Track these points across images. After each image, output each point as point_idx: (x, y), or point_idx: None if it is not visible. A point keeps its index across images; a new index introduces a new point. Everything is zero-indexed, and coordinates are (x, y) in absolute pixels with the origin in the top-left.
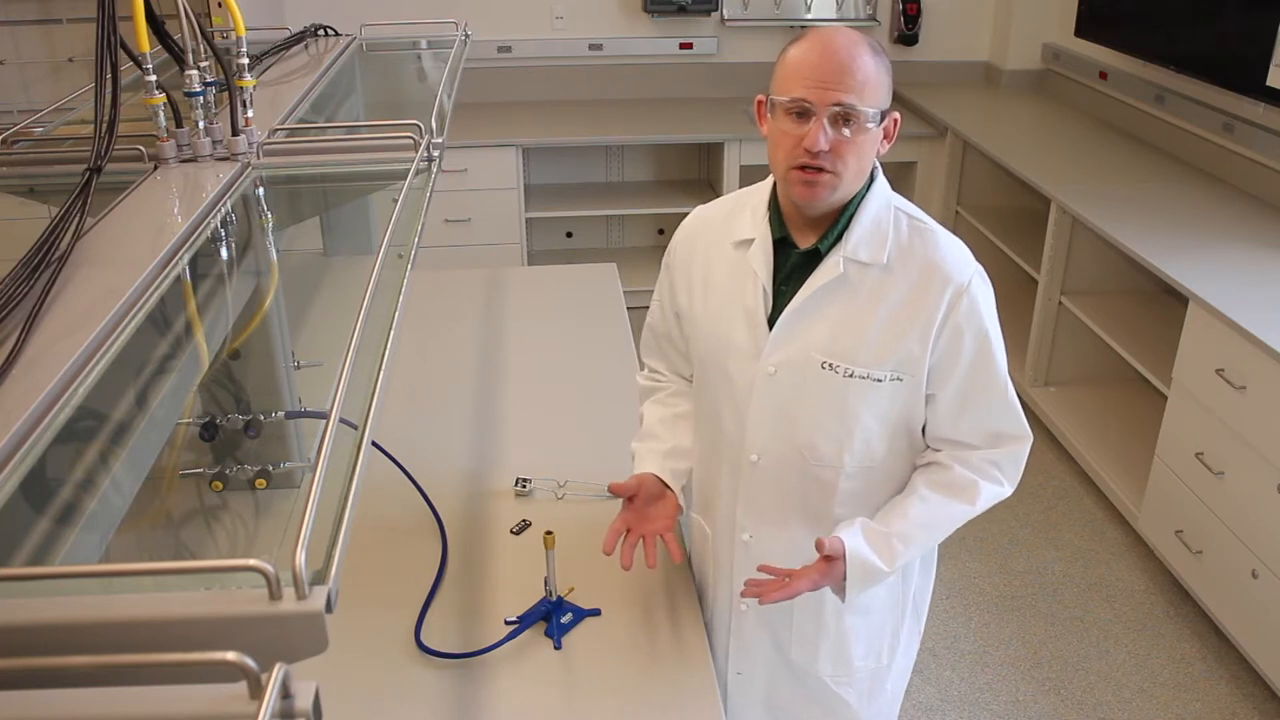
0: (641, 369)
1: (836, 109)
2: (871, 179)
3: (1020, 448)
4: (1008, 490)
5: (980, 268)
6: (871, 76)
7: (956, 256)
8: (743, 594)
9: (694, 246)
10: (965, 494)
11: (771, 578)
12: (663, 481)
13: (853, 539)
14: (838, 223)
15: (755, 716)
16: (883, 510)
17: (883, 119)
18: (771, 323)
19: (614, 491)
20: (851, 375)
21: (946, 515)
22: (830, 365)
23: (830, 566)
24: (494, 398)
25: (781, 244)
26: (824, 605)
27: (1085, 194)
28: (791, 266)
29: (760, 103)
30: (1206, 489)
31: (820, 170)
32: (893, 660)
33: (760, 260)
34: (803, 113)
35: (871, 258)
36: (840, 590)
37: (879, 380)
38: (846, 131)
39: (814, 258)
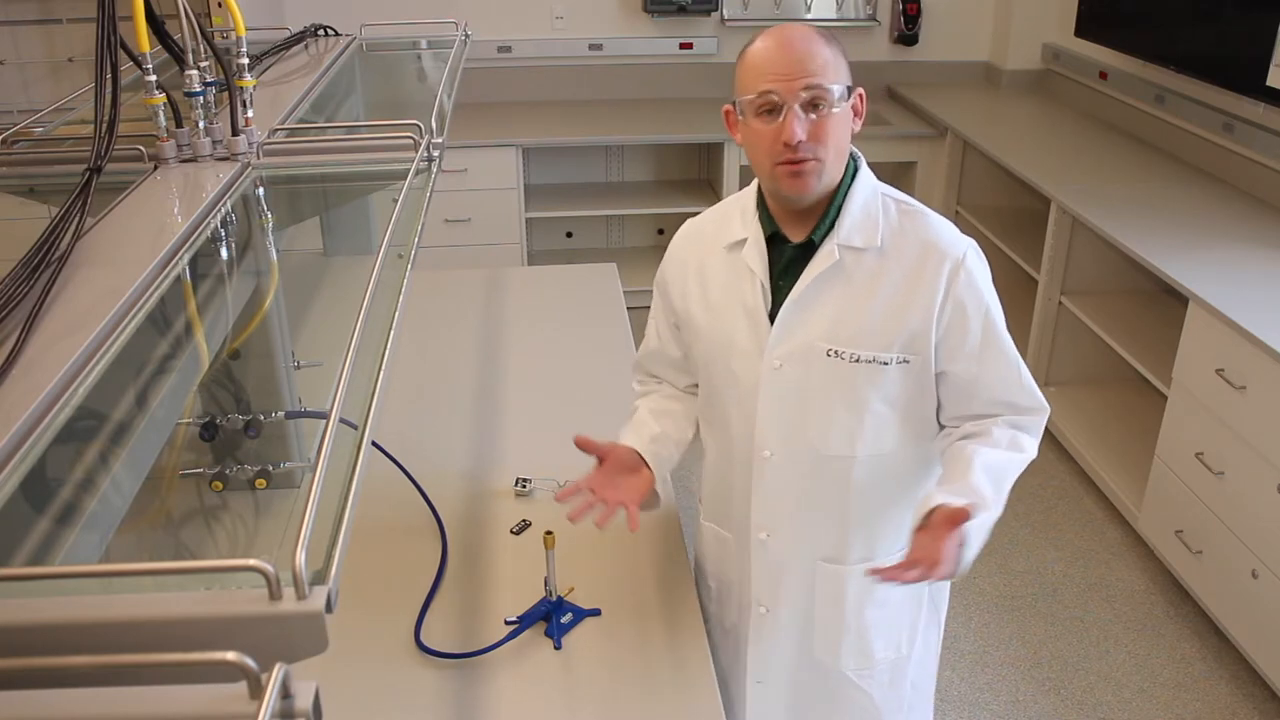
0: (634, 383)
1: (805, 94)
2: (856, 168)
3: (1037, 419)
4: (1033, 453)
5: (974, 241)
6: (830, 58)
7: (949, 233)
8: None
9: (687, 256)
10: (1014, 444)
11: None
12: (642, 459)
13: (945, 496)
14: (828, 213)
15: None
16: (943, 476)
17: (850, 95)
18: (773, 318)
19: (579, 444)
20: (858, 360)
21: (1005, 462)
22: (835, 352)
23: (960, 536)
24: (494, 398)
25: (774, 240)
26: (844, 598)
27: (1085, 194)
28: (787, 261)
29: (728, 112)
30: (1206, 489)
31: (803, 160)
32: (912, 651)
33: (755, 257)
34: (773, 108)
35: (865, 242)
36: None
37: (885, 363)
38: (816, 116)
39: (808, 250)
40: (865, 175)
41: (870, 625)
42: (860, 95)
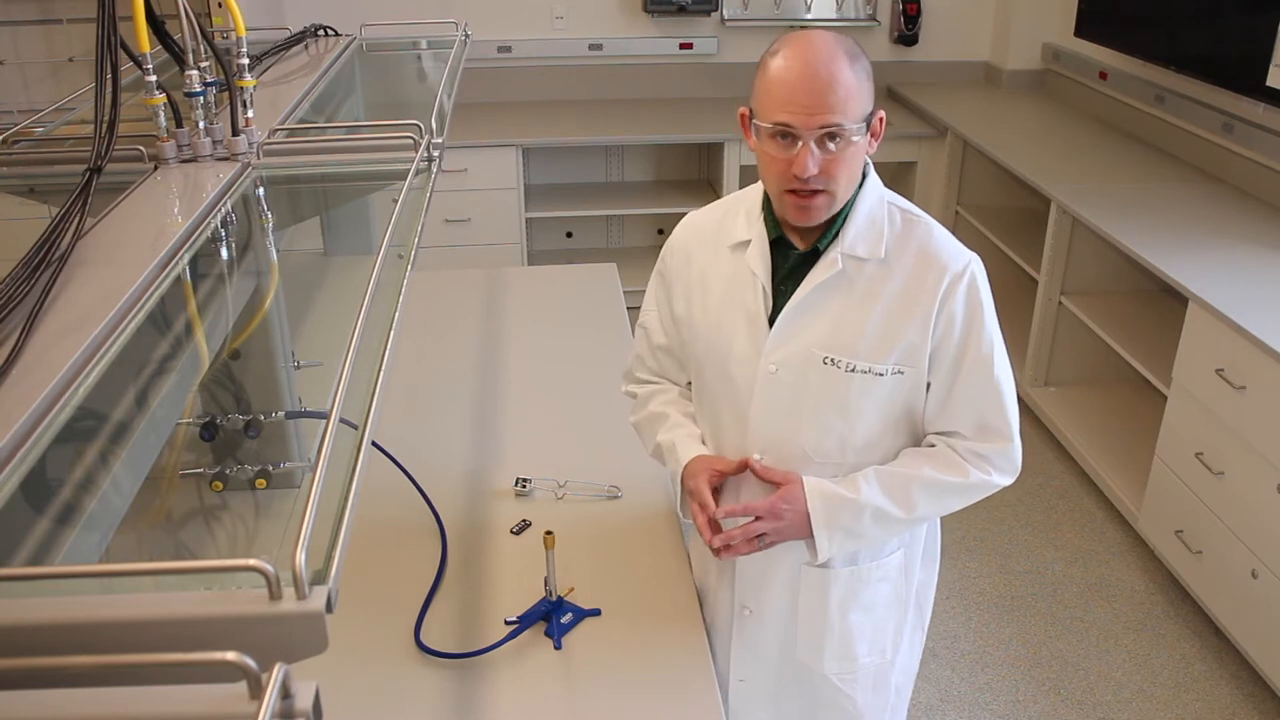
0: (626, 383)
1: (823, 131)
2: (864, 175)
3: (1001, 448)
4: (999, 480)
5: (976, 256)
6: (853, 89)
7: (952, 246)
8: (720, 555)
9: (689, 253)
10: (951, 467)
11: (738, 524)
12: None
13: (810, 477)
14: (834, 220)
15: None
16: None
17: (869, 123)
18: (772, 322)
19: (733, 472)
20: (853, 370)
21: (926, 477)
22: (832, 361)
23: (788, 492)
24: (494, 398)
25: (778, 244)
26: (828, 602)
27: (1085, 194)
28: (790, 266)
29: (744, 115)
30: (1206, 489)
31: (813, 193)
32: (896, 655)
33: (759, 261)
34: (788, 136)
35: (868, 252)
36: (814, 541)
37: (880, 374)
38: (833, 147)
39: (812, 256)
40: (873, 184)
41: (854, 628)
42: (880, 118)
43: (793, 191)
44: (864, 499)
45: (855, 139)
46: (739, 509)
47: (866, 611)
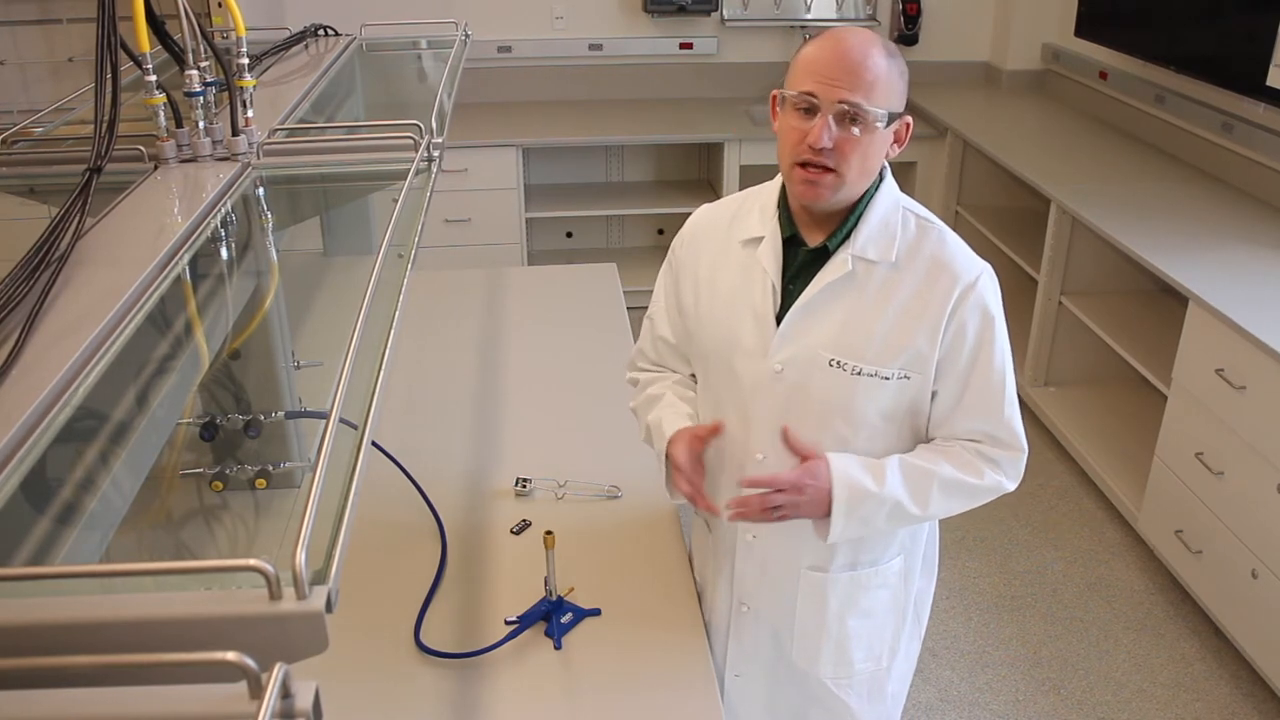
0: (629, 371)
1: (843, 106)
2: (881, 178)
3: (1011, 456)
4: (1007, 484)
5: (989, 266)
6: (882, 77)
7: (964, 255)
8: (731, 517)
9: (699, 245)
10: (968, 467)
11: (756, 492)
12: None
13: (836, 456)
14: (846, 221)
15: (755, 718)
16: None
17: (893, 122)
18: (780, 321)
19: (707, 435)
20: (859, 373)
21: (946, 475)
22: (838, 363)
23: (813, 468)
24: (494, 398)
25: (790, 242)
26: (826, 606)
27: (1085, 194)
28: (800, 264)
29: (774, 98)
30: (1206, 489)
31: (823, 170)
32: (893, 662)
33: (770, 258)
34: (810, 109)
35: (879, 256)
36: (825, 521)
37: (886, 378)
38: (854, 130)
39: (822, 256)
40: (889, 187)
41: (851, 634)
42: (906, 124)
43: (802, 165)
44: (887, 492)
45: (877, 125)
46: (764, 479)
47: (865, 618)
